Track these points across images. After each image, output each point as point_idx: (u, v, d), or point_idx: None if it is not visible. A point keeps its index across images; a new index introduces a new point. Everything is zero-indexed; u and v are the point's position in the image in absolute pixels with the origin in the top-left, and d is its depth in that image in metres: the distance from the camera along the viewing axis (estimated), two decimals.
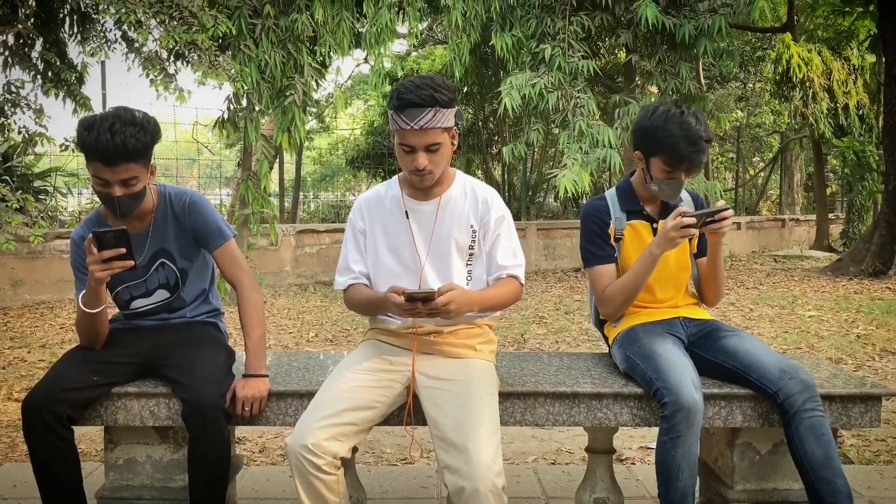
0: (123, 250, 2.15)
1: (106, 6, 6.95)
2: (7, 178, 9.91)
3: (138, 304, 2.51)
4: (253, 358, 2.38)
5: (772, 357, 2.40)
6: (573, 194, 10.31)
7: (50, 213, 11.11)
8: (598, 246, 2.64)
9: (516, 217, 14.22)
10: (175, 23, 6.86)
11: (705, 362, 2.49)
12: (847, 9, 14.28)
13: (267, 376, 2.39)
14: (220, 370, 2.37)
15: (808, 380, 2.30)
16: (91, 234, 2.15)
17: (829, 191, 19.38)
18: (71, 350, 2.45)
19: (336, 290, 2.48)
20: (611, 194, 2.71)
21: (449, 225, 2.35)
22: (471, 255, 2.37)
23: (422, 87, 2.17)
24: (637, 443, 4.12)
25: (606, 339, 2.75)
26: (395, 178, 2.47)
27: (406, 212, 2.36)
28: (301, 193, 20.73)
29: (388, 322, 2.39)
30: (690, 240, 2.65)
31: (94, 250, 2.15)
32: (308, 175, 26.76)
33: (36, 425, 2.21)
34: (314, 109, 21.55)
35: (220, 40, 8.04)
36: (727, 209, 2.40)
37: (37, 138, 7.55)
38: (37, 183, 11.61)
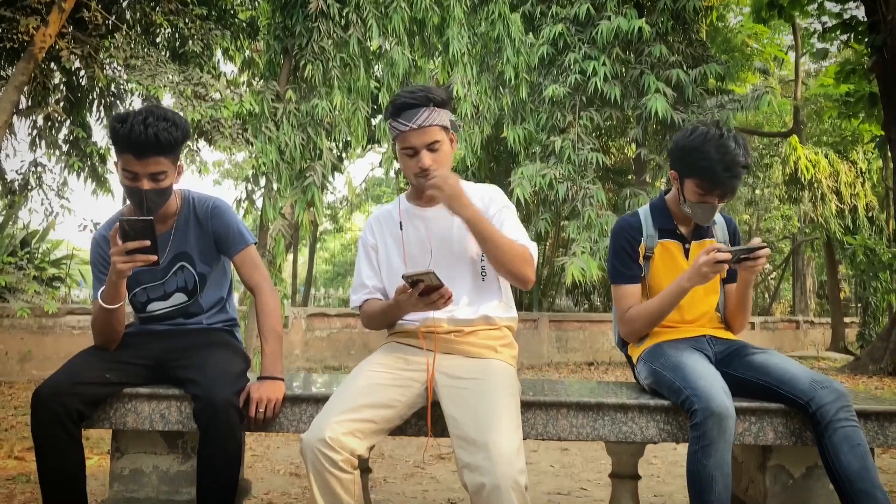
0: (148, 242, 2.14)
1: (135, 83, 7.22)
2: (23, 263, 10.03)
3: (155, 306, 2.48)
4: (269, 360, 2.33)
5: (802, 370, 2.32)
6: (584, 289, 10.32)
7: (62, 301, 11.15)
8: (625, 264, 2.59)
9: (528, 308, 14.14)
10: (200, 100, 7.11)
11: (734, 380, 2.40)
12: (852, 112, 14.66)
13: (283, 379, 2.33)
14: (234, 370, 2.31)
15: (841, 389, 2.22)
16: (118, 223, 2.14)
17: (842, 294, 19.28)
18: (85, 349, 2.40)
19: (352, 307, 2.48)
20: (644, 211, 2.66)
21: (459, 227, 2.35)
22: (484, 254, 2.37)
23: (416, 91, 2.28)
24: (653, 490, 3.95)
25: (630, 358, 2.67)
26: (402, 195, 2.52)
27: (416, 219, 2.40)
28: (312, 290, 20.83)
29: (406, 324, 2.36)
30: None
31: (119, 241, 2.14)
32: (319, 274, 26.99)
33: (45, 418, 2.13)
34: (328, 211, 21.94)
35: (243, 122, 8.30)
36: (764, 247, 2.33)
37: (59, 210, 7.69)
38: (51, 270, 11.71)
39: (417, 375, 2.24)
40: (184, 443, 2.38)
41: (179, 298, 2.48)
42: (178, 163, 2.35)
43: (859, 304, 18.47)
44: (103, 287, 2.27)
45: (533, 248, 2.34)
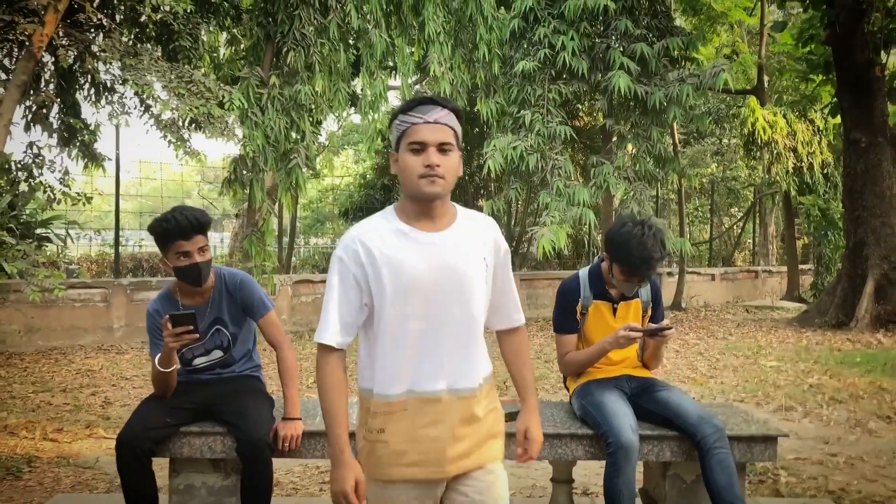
0: (192, 327, 2.84)
1: (128, 80, 7.68)
2: (12, 226, 10.51)
3: (198, 361, 3.18)
4: (290, 405, 3.06)
5: (693, 407, 3.09)
6: (554, 249, 11.06)
7: (52, 260, 11.69)
8: (566, 318, 3.32)
9: None
10: (192, 96, 7.63)
11: (643, 410, 3.17)
12: (811, 75, 15.33)
13: (301, 419, 3.07)
14: (265, 415, 3.05)
15: (719, 425, 2.99)
16: (168, 316, 2.83)
17: (801, 243, 20.26)
18: (147, 398, 3.13)
19: (320, 342, 2.09)
20: (583, 275, 3.36)
21: (464, 254, 2.12)
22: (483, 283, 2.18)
23: (429, 97, 2.13)
24: (601, 480, 4.76)
25: (568, 389, 3.43)
26: (391, 210, 2.21)
27: (412, 243, 2.10)
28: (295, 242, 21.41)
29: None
30: (643, 317, 3.32)
31: (170, 327, 2.83)
32: (298, 220, 27.45)
33: (127, 457, 2.87)
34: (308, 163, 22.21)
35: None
36: (670, 328, 3.03)
37: (61, 197, 8.21)
38: (39, 230, 12.20)
39: None
40: (225, 465, 3.12)
41: (217, 354, 3.19)
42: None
43: (814, 253, 19.51)
44: (160, 354, 2.96)
45: (521, 316, 2.39)
